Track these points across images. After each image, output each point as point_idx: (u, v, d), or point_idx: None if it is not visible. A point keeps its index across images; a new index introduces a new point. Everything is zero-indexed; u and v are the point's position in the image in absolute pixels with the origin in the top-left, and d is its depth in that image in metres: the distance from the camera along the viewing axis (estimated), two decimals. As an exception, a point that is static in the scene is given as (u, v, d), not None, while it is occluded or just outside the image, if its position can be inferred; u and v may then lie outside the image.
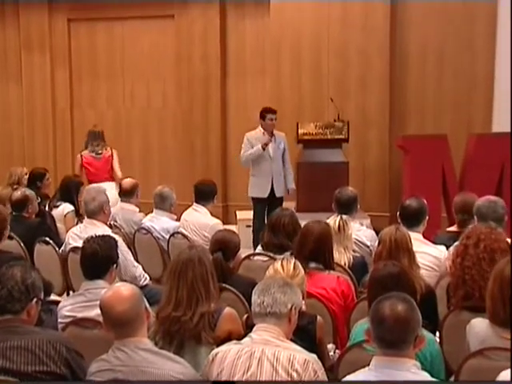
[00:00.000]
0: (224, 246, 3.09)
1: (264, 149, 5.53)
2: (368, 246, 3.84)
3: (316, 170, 6.11)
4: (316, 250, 3.06)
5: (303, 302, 2.36)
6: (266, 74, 7.30)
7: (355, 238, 3.78)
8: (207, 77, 7.43)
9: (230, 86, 7.49)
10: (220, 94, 7.42)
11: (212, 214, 4.46)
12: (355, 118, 6.77)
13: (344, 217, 3.59)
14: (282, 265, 2.59)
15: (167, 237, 4.36)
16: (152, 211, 4.57)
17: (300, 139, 6.21)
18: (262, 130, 5.64)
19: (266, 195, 5.58)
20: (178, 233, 4.33)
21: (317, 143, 6.18)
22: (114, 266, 2.85)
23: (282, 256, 3.06)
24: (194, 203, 4.50)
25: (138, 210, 4.78)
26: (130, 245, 4.37)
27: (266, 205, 5.57)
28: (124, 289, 2.10)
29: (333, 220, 3.55)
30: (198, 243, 3.95)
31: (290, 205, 5.65)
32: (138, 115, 7.87)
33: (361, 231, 3.93)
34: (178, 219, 4.54)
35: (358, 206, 4.03)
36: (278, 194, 5.61)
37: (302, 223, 3.37)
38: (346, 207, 3.89)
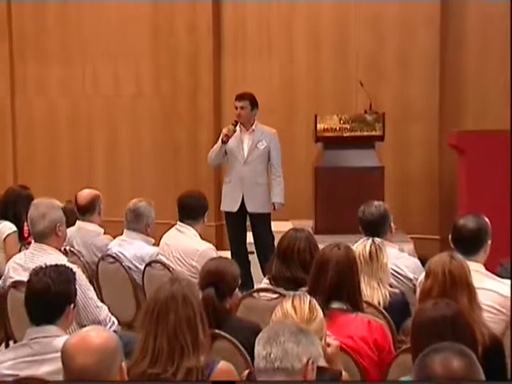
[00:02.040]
0: (218, 280, 3.08)
1: (224, 141, 5.70)
2: (410, 280, 3.83)
3: (340, 177, 6.15)
4: (338, 285, 3.03)
5: (323, 355, 2.34)
6: (274, 51, 7.37)
7: (393, 268, 3.77)
8: (195, 55, 7.49)
9: (225, 67, 7.55)
10: (212, 78, 7.48)
11: (202, 237, 4.47)
12: (393, 108, 6.81)
13: (377, 240, 3.59)
14: (293, 305, 2.55)
15: (142, 267, 4.36)
16: (122, 233, 4.58)
17: (319, 137, 6.25)
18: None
19: (235, 209, 5.73)
20: (156, 261, 4.33)
21: (341, 142, 6.22)
22: (71, 306, 2.84)
23: (294, 293, 3.05)
24: (178, 222, 4.51)
25: (102, 231, 4.78)
26: (92, 278, 4.38)
27: (240, 222, 5.75)
28: (95, 335, 2.09)
29: (362, 245, 3.54)
30: (183, 275, 3.94)
31: (305, 224, 5.68)
32: (102, 105, 7.94)
33: (400, 259, 3.93)
34: (157, 243, 4.54)
35: (392, 226, 4.04)
36: (249, 209, 5.75)
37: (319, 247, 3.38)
38: (372, 229, 3.92)
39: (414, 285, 3.75)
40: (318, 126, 6.23)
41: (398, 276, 3.83)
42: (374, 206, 4.06)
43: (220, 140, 5.74)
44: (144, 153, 7.81)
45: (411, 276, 3.84)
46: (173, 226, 4.56)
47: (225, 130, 5.73)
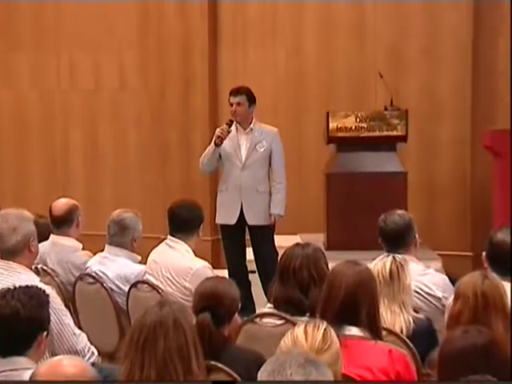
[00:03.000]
0: (215, 303, 3.09)
1: (217, 144, 5.70)
2: (439, 299, 3.83)
3: (356, 184, 6.17)
4: (352, 308, 3.03)
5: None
6: (279, 38, 7.40)
7: (418, 286, 3.78)
8: (188, 43, 7.52)
9: (222, 57, 7.58)
10: (208, 70, 7.51)
11: (196, 254, 4.48)
12: (418, 104, 6.85)
13: (398, 257, 3.59)
14: (305, 330, 2.55)
15: (126, 288, 4.36)
16: (103, 249, 4.59)
17: (331, 137, 6.27)
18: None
19: (232, 221, 5.74)
20: (143, 282, 4.34)
21: (357, 144, 6.24)
22: (44, 334, 2.85)
23: (305, 319, 3.05)
24: (169, 236, 4.51)
25: (80, 246, 4.79)
26: (69, 301, 4.38)
27: (238, 237, 5.76)
28: (68, 364, 2.10)
29: (382, 262, 3.54)
30: (175, 298, 3.95)
31: (315, 238, 5.69)
32: (80, 101, 7.97)
33: (427, 276, 3.93)
34: (145, 261, 4.55)
35: (417, 239, 4.06)
36: (249, 221, 5.75)
37: (331, 266, 3.38)
38: (395, 241, 3.95)
39: (444, 305, 3.76)
40: (331, 125, 6.24)
41: (424, 295, 3.84)
42: (397, 214, 4.08)
43: (213, 142, 5.75)
44: (129, 156, 7.85)
45: (440, 295, 3.84)
46: (162, 240, 4.57)
47: (218, 131, 5.72)
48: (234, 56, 7.54)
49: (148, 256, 4.55)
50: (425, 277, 3.90)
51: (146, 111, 7.75)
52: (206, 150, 5.84)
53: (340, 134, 6.24)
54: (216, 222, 5.97)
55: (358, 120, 6.23)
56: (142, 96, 7.75)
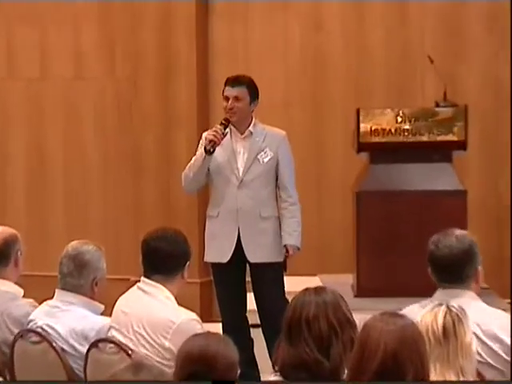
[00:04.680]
0: (205, 369, 3.07)
1: (208, 152, 5.64)
2: (508, 347, 3.82)
3: (397, 208, 6.17)
4: (390, 376, 3.04)
5: None
6: (292, 8, 7.43)
7: (482, 329, 3.77)
8: (168, 14, 7.53)
9: (215, 34, 7.61)
10: (196, 51, 7.52)
11: (180, 302, 4.47)
12: (481, 98, 6.88)
13: (455, 308, 3.60)
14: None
15: (84, 348, 4.34)
16: (53, 295, 4.58)
17: (362, 143, 6.28)
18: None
19: (226, 258, 5.72)
20: (106, 340, 4.33)
21: (399, 152, 6.24)
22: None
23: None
24: (143, 278, 4.49)
25: (21, 292, 4.76)
26: (5, 367, 4.35)
27: (235, 279, 5.75)
28: None
29: (432, 314, 3.54)
30: (150, 362, 3.91)
31: (341, 280, 5.67)
32: (21, 92, 7.99)
33: (493, 317, 3.91)
34: (110, 312, 4.54)
35: (479, 270, 4.04)
36: (251, 258, 5.71)
37: (361, 319, 3.37)
38: (448, 272, 3.93)
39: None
40: (362, 126, 6.25)
41: (490, 345, 3.83)
42: (455, 235, 4.04)
43: (202, 149, 5.69)
44: (88, 168, 7.85)
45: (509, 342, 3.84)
46: (134, 283, 4.56)
47: (209, 134, 5.65)
48: (230, 33, 7.56)
49: (114, 305, 4.55)
50: (492, 320, 3.89)
51: (111, 107, 7.77)
52: (192, 160, 5.78)
53: (375, 139, 6.25)
54: (205, 260, 5.93)
55: (399, 120, 6.24)
56: (106, 87, 7.78)
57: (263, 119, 5.92)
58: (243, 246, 5.71)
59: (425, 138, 6.24)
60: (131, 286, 4.56)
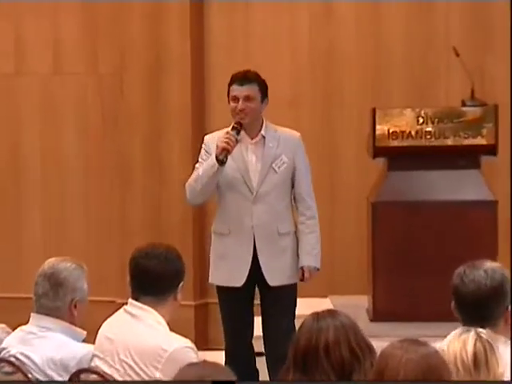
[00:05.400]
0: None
1: (221, 162, 5.57)
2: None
3: (418, 220, 6.18)
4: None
5: None
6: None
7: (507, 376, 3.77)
8: (159, 2, 7.53)
9: (212, 24, 7.62)
10: (190, 43, 7.52)
11: (172, 327, 4.47)
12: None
13: (484, 333, 3.60)
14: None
15: (64, 378, 4.30)
16: (28, 320, 4.58)
17: (379, 147, 6.31)
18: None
19: (240, 282, 5.71)
20: (89, 370, 4.33)
21: (421, 157, 6.26)
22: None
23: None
24: (130, 301, 4.49)
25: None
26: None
27: (247, 304, 5.76)
28: None
29: (460, 341, 3.54)
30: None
31: (354, 302, 5.66)
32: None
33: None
34: (93, 339, 4.53)
35: (509, 310, 4.02)
36: (271, 281, 5.70)
37: (378, 346, 3.38)
38: (475, 311, 3.91)
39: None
40: (379, 128, 6.27)
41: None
42: (483, 269, 4.02)
43: (212, 159, 5.58)
44: (68, 176, 7.86)
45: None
46: (121, 306, 4.57)
47: (221, 141, 5.54)
48: (229, 22, 7.58)
49: (98, 331, 4.55)
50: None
51: (93, 107, 7.78)
52: (200, 171, 5.69)
53: (393, 143, 6.27)
54: (210, 281, 5.93)
55: (420, 121, 6.26)
56: (88, 84, 7.80)
57: (274, 114, 5.99)
58: (262, 267, 5.70)
59: (450, 142, 6.25)
60: (117, 310, 4.55)
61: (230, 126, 5.65)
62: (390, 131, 6.25)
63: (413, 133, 6.26)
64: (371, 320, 6.20)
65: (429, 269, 5.91)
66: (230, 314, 5.85)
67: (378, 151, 6.32)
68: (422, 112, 6.27)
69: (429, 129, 6.26)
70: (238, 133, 5.61)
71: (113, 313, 4.56)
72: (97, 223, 7.73)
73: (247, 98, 5.66)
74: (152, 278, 4.45)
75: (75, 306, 4.49)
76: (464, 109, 6.30)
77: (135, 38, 7.64)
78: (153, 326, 4.39)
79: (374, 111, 6.27)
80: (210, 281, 5.93)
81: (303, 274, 5.71)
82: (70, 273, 4.50)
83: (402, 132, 6.25)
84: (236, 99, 5.67)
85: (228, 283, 5.77)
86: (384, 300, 6.22)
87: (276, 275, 5.71)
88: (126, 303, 4.49)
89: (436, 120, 6.26)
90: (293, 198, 5.79)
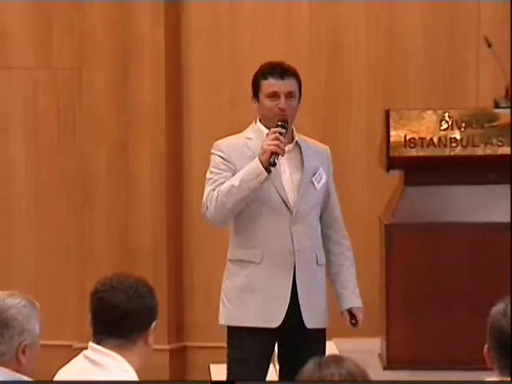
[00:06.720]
0: None
1: (269, 170, 5.52)
2: None
3: (441, 245, 6.27)
4: None
5: None
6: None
7: None
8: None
9: (191, 10, 7.75)
10: (164, 32, 7.65)
11: (142, 376, 4.56)
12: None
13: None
14: None
15: None
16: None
17: (393, 158, 6.41)
18: (262, 129, 5.70)
19: (277, 322, 5.68)
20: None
21: (443, 169, 6.35)
22: None
23: None
24: (92, 344, 4.59)
25: None
26: None
27: (269, 352, 5.80)
28: None
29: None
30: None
31: (365, 346, 5.81)
32: None
33: None
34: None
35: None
36: (309, 323, 5.66)
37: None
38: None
39: None
40: (394, 134, 6.37)
41: None
42: None
43: (259, 165, 5.49)
44: (15, 193, 7.97)
45: None
46: (80, 351, 4.70)
47: (269, 144, 5.45)
48: (212, 7, 7.72)
49: (52, 379, 4.69)
50: None
51: (46, 109, 7.91)
52: (239, 182, 5.53)
53: (411, 152, 6.36)
54: (226, 323, 5.77)
55: (444, 125, 6.37)
56: (39, 81, 7.93)
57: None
58: (300, 305, 5.66)
59: (480, 151, 6.33)
60: (75, 356, 4.62)
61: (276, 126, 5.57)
62: (407, 138, 6.35)
63: (435, 140, 6.36)
64: (385, 368, 6.31)
65: (455, 305, 5.98)
66: (243, 363, 5.73)
67: (392, 162, 6.42)
68: (446, 115, 6.37)
69: (454, 135, 6.36)
70: (285, 133, 5.56)
71: (70, 359, 4.62)
72: (50, 250, 7.86)
73: (290, 95, 5.67)
74: (118, 317, 4.48)
75: (24, 352, 4.48)
76: (497, 111, 6.39)
77: (97, 24, 7.78)
78: (119, 375, 4.45)
79: (387, 114, 6.37)
80: (223, 322, 5.81)
81: (353, 317, 5.70)
82: (19, 311, 4.50)
83: (422, 139, 6.35)
84: (276, 96, 5.64)
85: (260, 323, 5.69)
86: (400, 343, 6.30)
87: (313, 315, 5.69)
88: (86, 348, 4.55)
89: (463, 124, 6.35)
90: (321, 222, 5.81)
